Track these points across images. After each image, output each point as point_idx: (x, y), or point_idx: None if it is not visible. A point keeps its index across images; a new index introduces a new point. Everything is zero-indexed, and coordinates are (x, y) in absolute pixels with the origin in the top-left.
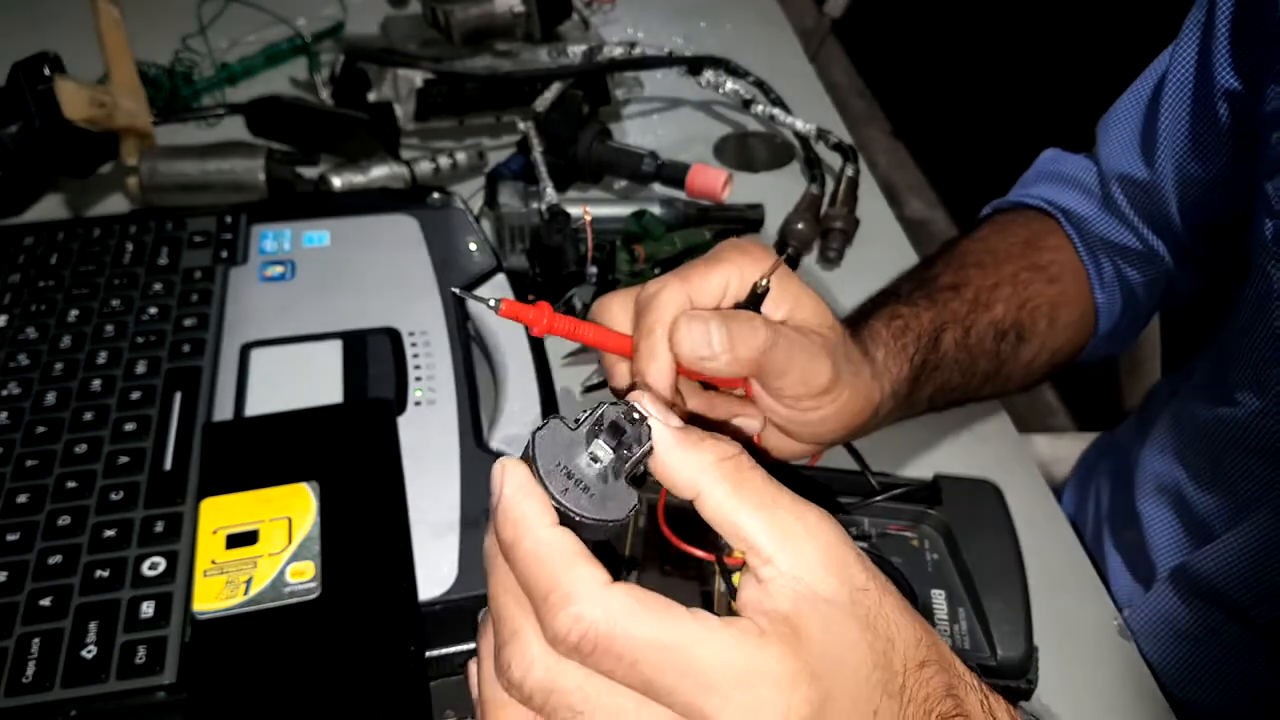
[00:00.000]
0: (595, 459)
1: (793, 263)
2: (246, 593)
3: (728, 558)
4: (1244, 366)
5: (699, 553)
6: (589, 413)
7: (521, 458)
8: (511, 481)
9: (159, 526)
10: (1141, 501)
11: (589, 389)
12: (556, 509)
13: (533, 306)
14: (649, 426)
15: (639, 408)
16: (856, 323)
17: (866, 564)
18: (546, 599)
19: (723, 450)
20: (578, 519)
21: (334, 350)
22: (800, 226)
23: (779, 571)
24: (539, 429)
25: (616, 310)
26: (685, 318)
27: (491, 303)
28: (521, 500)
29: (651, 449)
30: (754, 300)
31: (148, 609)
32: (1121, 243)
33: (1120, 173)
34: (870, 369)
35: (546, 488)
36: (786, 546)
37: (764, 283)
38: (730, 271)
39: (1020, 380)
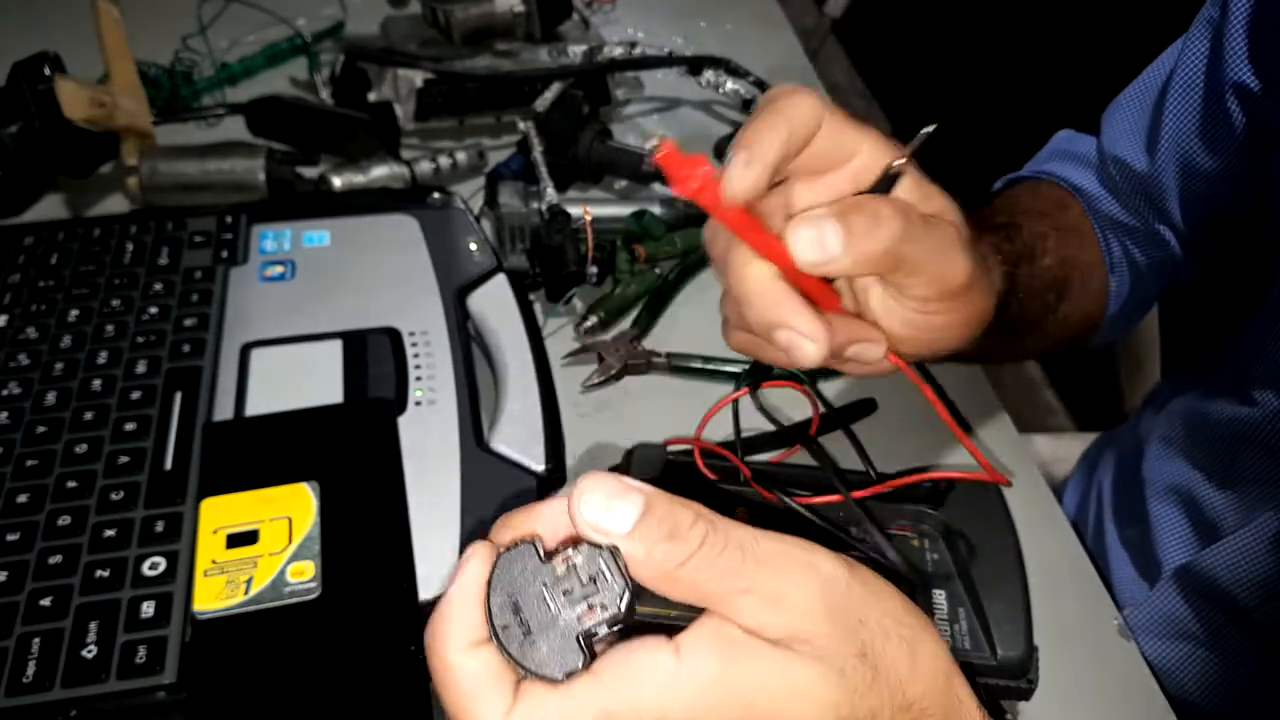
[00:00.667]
0: (553, 610)
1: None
2: (247, 593)
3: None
4: (1265, 366)
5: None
6: (569, 554)
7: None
8: (462, 580)
9: (159, 526)
10: (1148, 500)
11: (589, 388)
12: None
13: (696, 163)
14: (622, 598)
15: (610, 571)
16: None
17: (869, 627)
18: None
19: (679, 553)
20: (508, 658)
21: (334, 350)
22: None
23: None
24: (507, 551)
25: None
26: (795, 221)
27: (653, 142)
28: (458, 609)
29: (617, 625)
30: (884, 185)
31: (148, 609)
32: (1127, 222)
33: (1118, 157)
34: (985, 280)
35: (491, 622)
36: (766, 614)
37: (898, 164)
38: (870, 142)
39: (1052, 340)
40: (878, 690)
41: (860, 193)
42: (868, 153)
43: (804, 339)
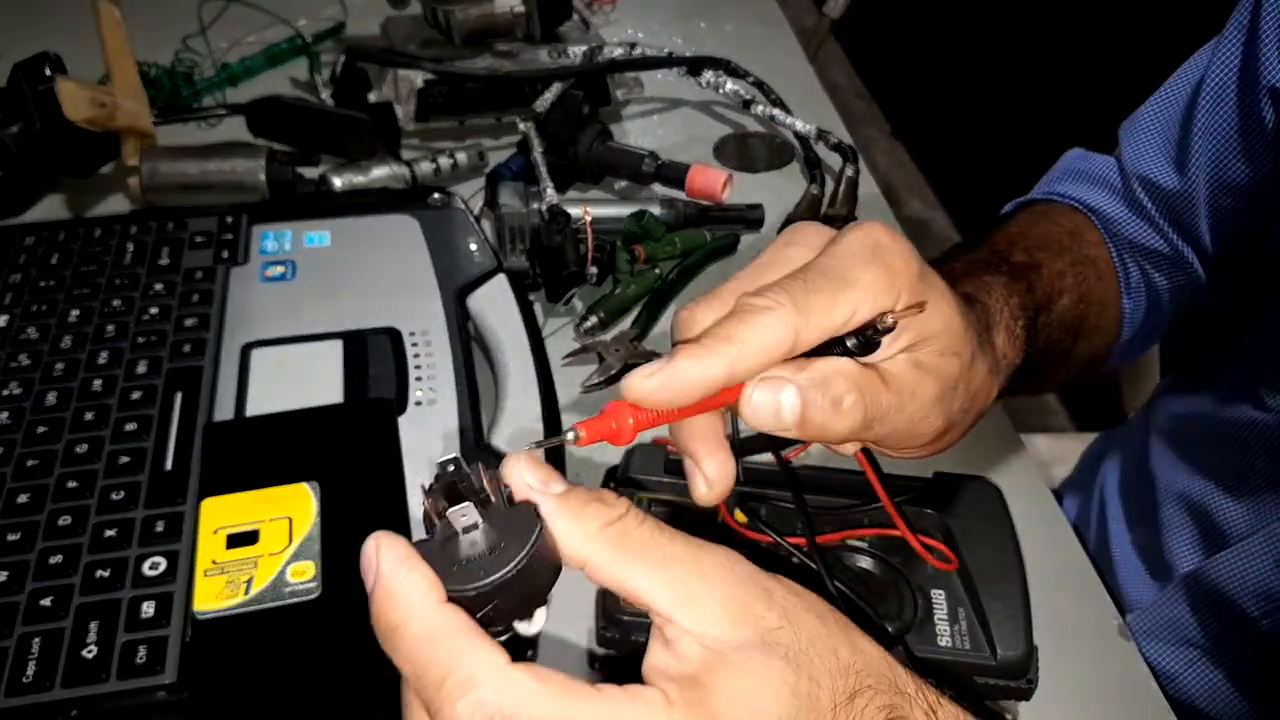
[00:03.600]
0: (467, 528)
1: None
2: (247, 593)
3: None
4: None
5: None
6: (435, 481)
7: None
8: (388, 555)
9: (159, 526)
10: (1158, 504)
11: (589, 388)
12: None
13: (607, 416)
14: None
15: (515, 483)
16: (969, 296)
17: (777, 597)
18: (443, 684)
19: (606, 514)
20: (474, 593)
21: (334, 350)
22: None
23: (681, 630)
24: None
25: (705, 324)
26: (758, 386)
27: (570, 436)
28: (404, 575)
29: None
30: (870, 335)
31: (148, 609)
32: (1150, 246)
33: (1144, 175)
34: (988, 364)
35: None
36: (683, 602)
37: (890, 320)
38: (861, 301)
39: (1061, 379)
40: (810, 655)
41: (838, 345)
42: (861, 307)
43: (700, 480)
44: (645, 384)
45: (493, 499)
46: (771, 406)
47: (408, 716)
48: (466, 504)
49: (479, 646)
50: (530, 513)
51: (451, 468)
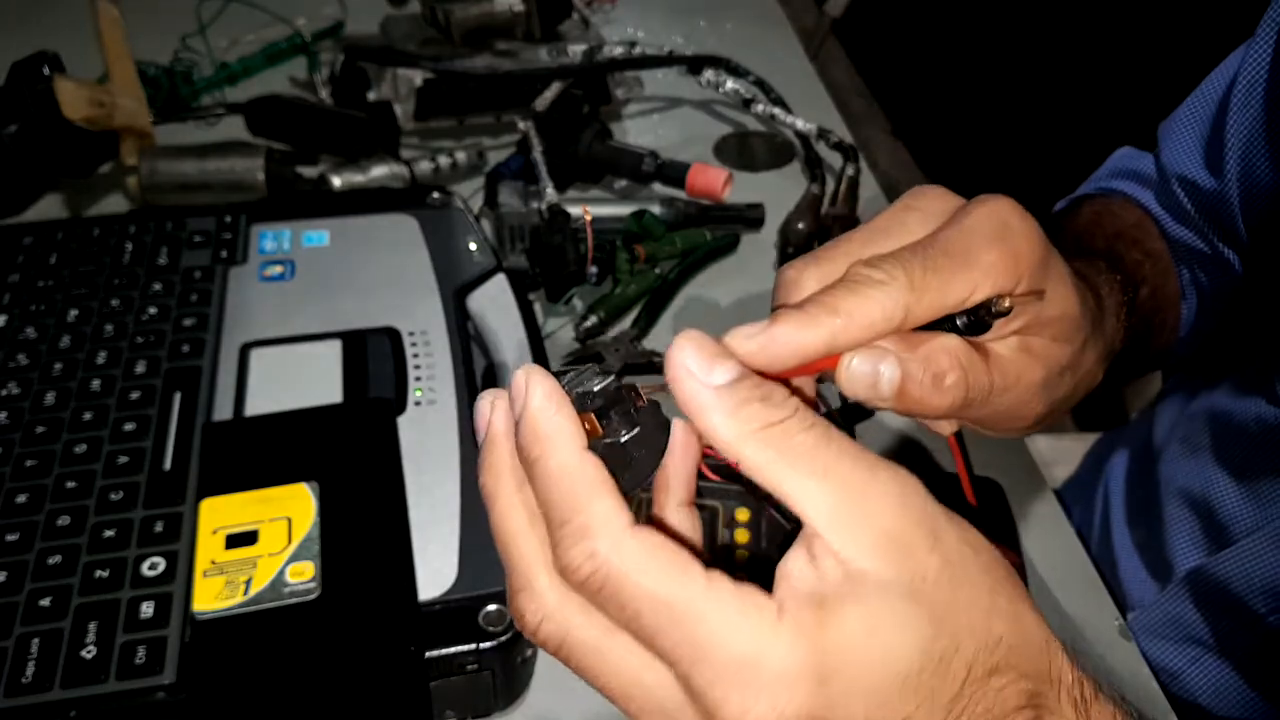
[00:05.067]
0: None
1: None
2: (246, 593)
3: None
4: None
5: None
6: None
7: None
8: (539, 391)
9: (159, 527)
10: (1163, 501)
11: None
12: (587, 434)
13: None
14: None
15: (669, 364)
16: (1084, 276)
17: (947, 544)
18: (564, 525)
19: (766, 415)
20: (611, 443)
21: (334, 350)
22: (801, 226)
23: (828, 549)
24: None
25: (812, 287)
26: (858, 355)
27: (662, 383)
28: (552, 414)
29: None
30: (983, 316)
31: (147, 609)
32: (1195, 247)
33: (1182, 175)
34: (1099, 351)
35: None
36: (837, 522)
37: (1006, 303)
38: (980, 282)
39: (1132, 376)
40: (957, 614)
41: (947, 321)
42: (980, 288)
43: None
44: (745, 345)
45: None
46: (870, 377)
47: (511, 546)
48: (621, 420)
49: (607, 499)
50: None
51: (608, 382)
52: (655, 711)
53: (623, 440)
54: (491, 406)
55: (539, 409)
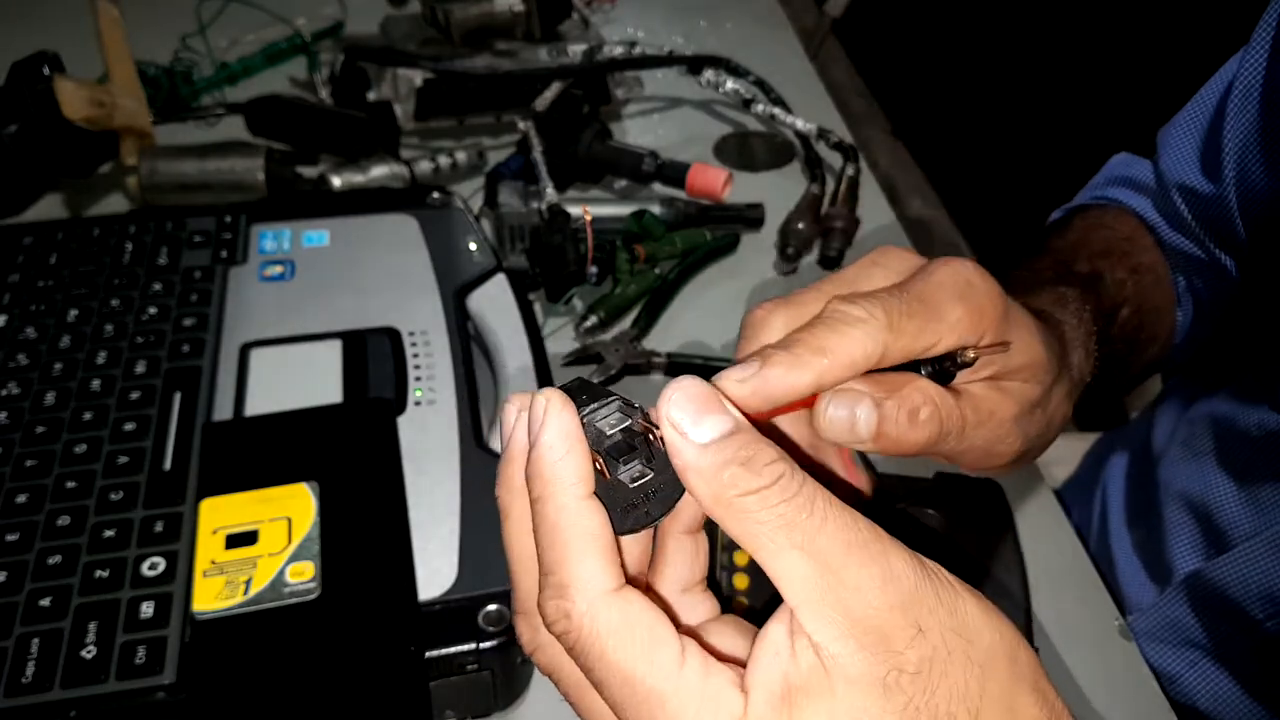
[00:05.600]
0: (634, 477)
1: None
2: (246, 593)
3: None
4: None
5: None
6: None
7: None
8: (552, 428)
9: (159, 527)
10: (1162, 504)
11: None
12: (597, 473)
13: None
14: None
15: (657, 413)
16: (1046, 315)
17: (931, 635)
18: (549, 575)
19: (748, 482)
20: (620, 484)
21: (334, 350)
22: (801, 226)
23: (801, 629)
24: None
25: (780, 329)
26: (833, 401)
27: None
28: (560, 456)
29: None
30: (948, 367)
31: (147, 609)
32: (1192, 254)
33: (1181, 183)
34: (1066, 387)
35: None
36: (812, 601)
37: (970, 354)
38: (946, 335)
39: (1118, 391)
40: (936, 711)
41: (917, 370)
42: (945, 339)
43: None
44: (738, 389)
45: (653, 436)
46: (847, 420)
47: (516, 569)
48: (635, 461)
49: (593, 559)
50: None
51: (627, 419)
52: None
53: (632, 486)
54: (516, 418)
55: (549, 447)
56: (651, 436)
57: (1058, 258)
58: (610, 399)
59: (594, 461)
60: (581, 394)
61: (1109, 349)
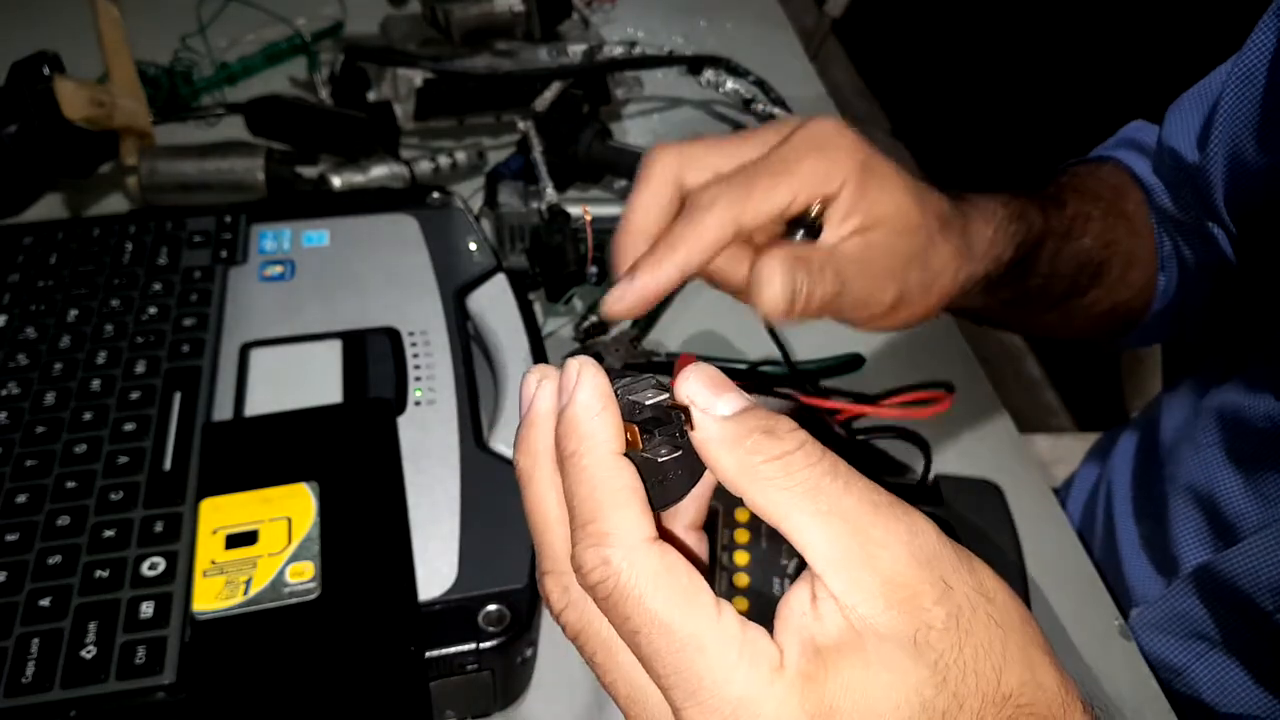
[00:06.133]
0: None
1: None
2: (246, 593)
3: None
4: None
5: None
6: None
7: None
8: (588, 387)
9: (159, 527)
10: (1169, 497)
11: None
12: (628, 445)
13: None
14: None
15: (675, 393)
16: (965, 197)
17: (957, 593)
18: (586, 525)
19: (770, 448)
20: (648, 458)
21: (334, 350)
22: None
23: (828, 592)
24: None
25: (660, 176)
26: (771, 264)
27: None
28: (597, 412)
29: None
30: (810, 223)
31: (147, 609)
32: (1179, 217)
33: (1171, 148)
34: (953, 245)
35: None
36: (840, 564)
37: (816, 208)
38: (800, 188)
39: (1079, 323)
40: (964, 670)
41: (792, 235)
42: (800, 193)
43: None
44: (618, 305)
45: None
46: (785, 287)
47: (543, 531)
48: (667, 435)
49: (632, 509)
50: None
51: (661, 395)
52: None
53: (660, 460)
54: (538, 385)
55: (584, 404)
56: (683, 419)
57: (1034, 187)
58: (644, 375)
59: (626, 431)
60: (616, 371)
61: (1056, 265)
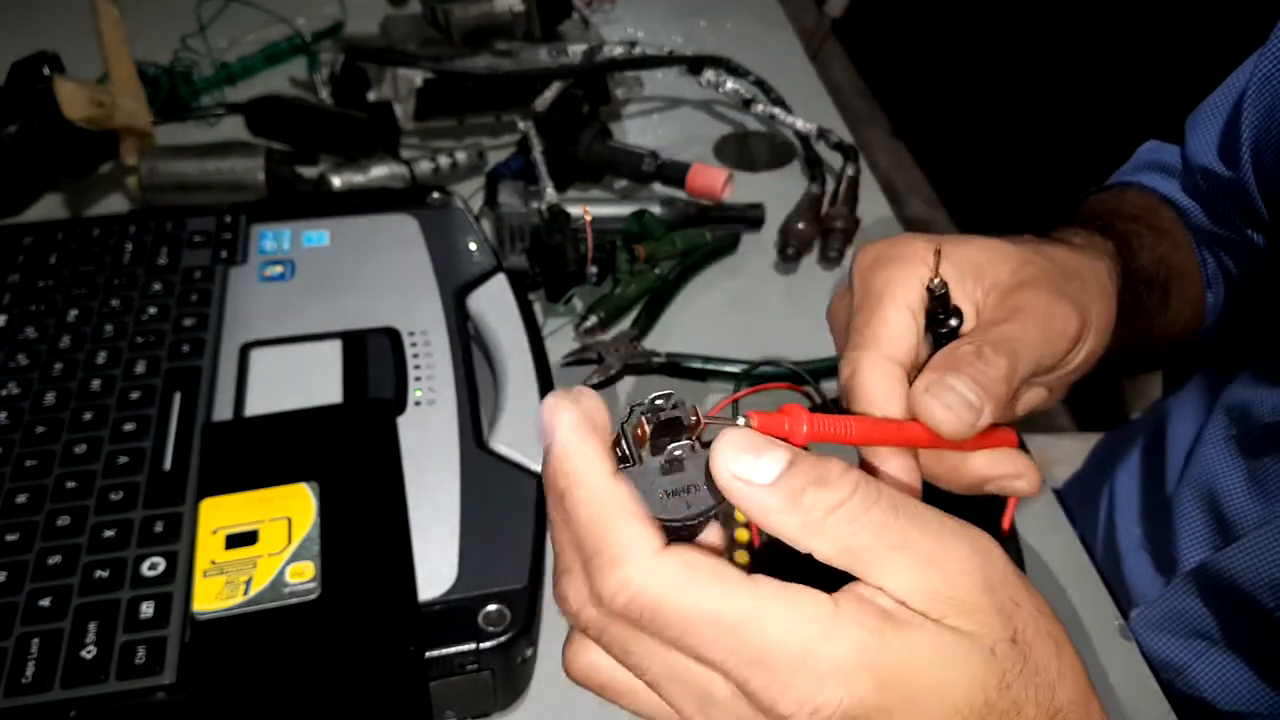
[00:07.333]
0: (672, 462)
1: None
2: (246, 593)
3: None
4: None
5: None
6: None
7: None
8: (564, 423)
9: (158, 527)
10: (1171, 496)
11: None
12: (633, 460)
13: (783, 415)
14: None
15: (715, 474)
16: (1049, 239)
17: (1021, 614)
18: (596, 555)
19: (828, 499)
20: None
21: (334, 350)
22: (801, 226)
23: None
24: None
25: (877, 381)
26: (930, 390)
27: (740, 423)
28: (577, 446)
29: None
30: (938, 308)
31: (147, 609)
32: (1221, 234)
33: (1203, 166)
34: (1098, 274)
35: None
36: (919, 595)
37: (937, 281)
38: (898, 298)
39: (1161, 344)
40: (1026, 681)
41: (927, 328)
42: (905, 293)
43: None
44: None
45: (697, 444)
46: (958, 400)
47: (564, 577)
48: (682, 442)
49: (633, 523)
50: None
51: (671, 403)
52: None
53: (666, 477)
54: (553, 412)
55: (565, 442)
56: (698, 440)
57: (1088, 219)
58: (668, 393)
59: (636, 446)
60: (635, 404)
61: (1135, 277)
